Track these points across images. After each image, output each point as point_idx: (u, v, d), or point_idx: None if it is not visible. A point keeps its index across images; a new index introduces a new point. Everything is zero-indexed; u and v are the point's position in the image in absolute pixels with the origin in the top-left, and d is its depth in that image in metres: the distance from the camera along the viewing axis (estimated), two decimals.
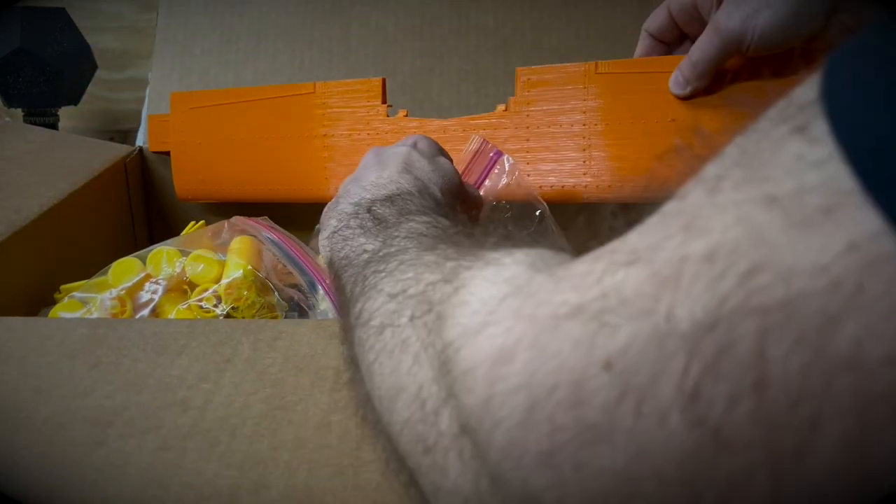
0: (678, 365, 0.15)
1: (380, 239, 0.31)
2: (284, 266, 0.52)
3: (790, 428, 0.14)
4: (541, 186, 0.58)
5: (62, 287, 0.52)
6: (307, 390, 0.29)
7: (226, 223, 0.55)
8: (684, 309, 0.15)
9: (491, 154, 0.55)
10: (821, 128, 0.15)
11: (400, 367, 0.22)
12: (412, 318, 0.23)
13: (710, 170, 0.17)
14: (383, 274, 0.27)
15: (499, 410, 0.17)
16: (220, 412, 0.27)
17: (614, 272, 0.17)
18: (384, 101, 0.61)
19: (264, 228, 0.55)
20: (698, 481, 0.15)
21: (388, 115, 0.61)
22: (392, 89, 0.71)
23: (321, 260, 0.52)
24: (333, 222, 0.37)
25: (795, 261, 0.14)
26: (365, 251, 0.31)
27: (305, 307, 0.51)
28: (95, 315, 0.47)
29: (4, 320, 0.35)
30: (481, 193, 0.52)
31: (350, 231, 0.35)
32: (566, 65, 0.57)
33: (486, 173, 0.55)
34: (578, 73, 0.57)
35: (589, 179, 0.57)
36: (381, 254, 0.29)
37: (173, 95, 0.66)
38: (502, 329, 0.18)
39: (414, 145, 0.45)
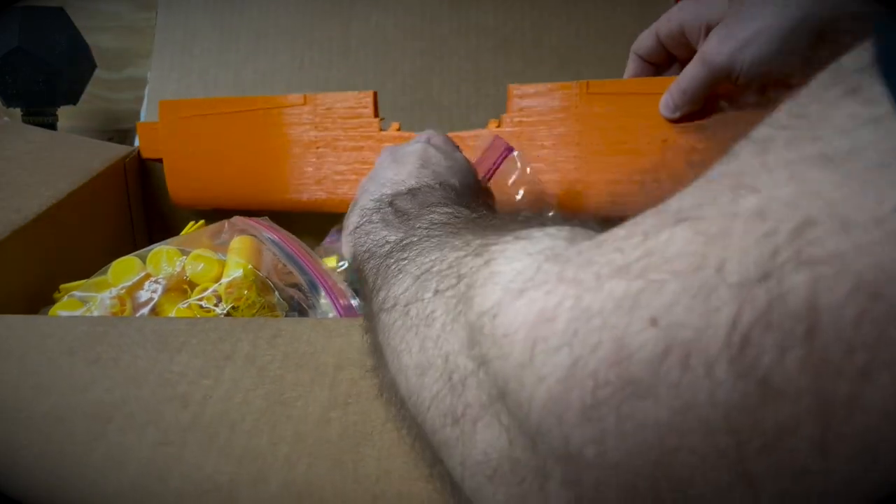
0: (726, 317, 0.15)
1: (402, 230, 0.32)
2: (285, 266, 0.52)
3: (842, 376, 0.14)
4: None
5: (62, 286, 0.52)
6: (307, 387, 0.29)
7: (226, 223, 0.55)
8: (733, 263, 0.15)
9: (502, 150, 0.55)
10: (876, 89, 0.15)
11: (426, 343, 0.23)
12: (437, 292, 0.23)
13: (759, 132, 0.17)
14: (406, 261, 0.27)
15: (540, 369, 0.17)
16: (220, 407, 0.27)
17: (659, 232, 0.17)
18: (376, 115, 0.61)
19: (264, 228, 0.55)
20: (744, 431, 0.15)
21: (381, 129, 0.61)
22: (392, 89, 0.71)
23: (327, 262, 0.53)
24: (355, 219, 0.38)
25: (849, 214, 0.14)
26: (387, 242, 0.32)
27: (306, 307, 0.50)
28: (95, 314, 0.47)
29: (4, 318, 0.35)
30: (490, 187, 0.53)
31: (372, 226, 0.35)
32: (558, 84, 0.57)
33: (496, 167, 0.55)
34: (570, 92, 0.57)
35: (581, 199, 0.57)
36: (403, 243, 0.29)
37: (162, 104, 0.66)
38: (542, 292, 0.18)
39: (428, 141, 0.45)
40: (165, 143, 0.66)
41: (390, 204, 0.35)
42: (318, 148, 0.62)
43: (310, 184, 0.62)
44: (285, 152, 0.62)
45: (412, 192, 0.36)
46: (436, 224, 0.30)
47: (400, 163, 0.41)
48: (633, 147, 0.56)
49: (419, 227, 0.30)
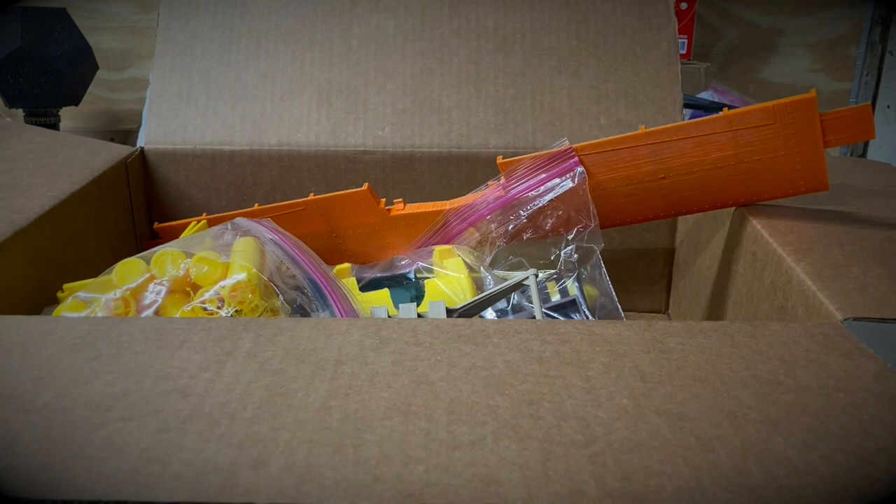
0: None
1: None
2: (288, 268, 0.52)
3: None
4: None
5: (65, 286, 0.52)
6: (307, 379, 0.29)
7: (228, 224, 0.55)
8: None
9: (569, 161, 0.55)
10: None
11: None
12: None
13: None
14: None
15: None
16: (221, 398, 0.28)
17: None
18: (377, 202, 0.61)
19: (267, 230, 0.55)
20: None
21: (387, 211, 0.61)
22: (392, 90, 0.72)
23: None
24: None
25: None
26: None
27: (308, 309, 0.51)
28: (100, 315, 0.47)
29: (5, 317, 0.35)
30: (541, 191, 0.54)
31: None
32: (544, 152, 0.57)
33: (555, 174, 0.55)
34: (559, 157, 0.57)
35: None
36: None
37: (157, 229, 0.66)
38: None
39: None
40: None
41: None
42: (336, 236, 0.63)
43: (337, 260, 0.63)
44: (303, 241, 0.62)
45: None
46: None
47: None
48: (634, 189, 0.56)
49: None
